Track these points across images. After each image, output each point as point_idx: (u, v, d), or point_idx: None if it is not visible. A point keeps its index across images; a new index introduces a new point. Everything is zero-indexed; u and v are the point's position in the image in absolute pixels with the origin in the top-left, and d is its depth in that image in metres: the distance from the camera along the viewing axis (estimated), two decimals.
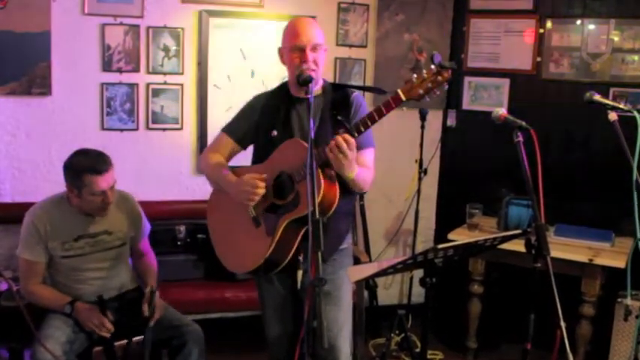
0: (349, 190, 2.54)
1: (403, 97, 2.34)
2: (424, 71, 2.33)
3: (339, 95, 2.69)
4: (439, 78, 2.31)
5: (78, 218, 3.05)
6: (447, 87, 2.36)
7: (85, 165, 2.94)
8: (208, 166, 2.79)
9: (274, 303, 2.82)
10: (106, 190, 2.97)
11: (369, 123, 2.38)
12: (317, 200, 2.23)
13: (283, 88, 2.76)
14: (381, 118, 2.37)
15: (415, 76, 2.34)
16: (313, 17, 4.17)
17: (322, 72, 2.65)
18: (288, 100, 2.69)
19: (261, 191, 2.54)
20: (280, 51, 2.68)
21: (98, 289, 3.05)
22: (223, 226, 2.77)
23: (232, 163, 2.81)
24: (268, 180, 2.56)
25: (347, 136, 2.35)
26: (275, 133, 2.64)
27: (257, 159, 2.74)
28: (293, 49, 2.57)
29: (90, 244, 3.08)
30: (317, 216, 2.09)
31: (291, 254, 2.54)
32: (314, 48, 2.56)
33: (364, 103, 2.72)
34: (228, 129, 2.80)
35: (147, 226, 3.37)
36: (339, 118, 2.55)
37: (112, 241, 3.14)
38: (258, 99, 2.79)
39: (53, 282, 3.10)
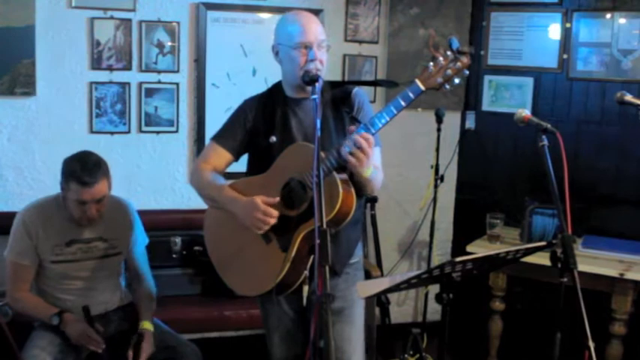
0: (359, 194, 2.52)
1: (422, 87, 2.37)
2: (441, 58, 2.36)
3: (338, 93, 2.67)
4: (458, 64, 2.34)
5: (72, 221, 3.07)
6: (467, 73, 2.39)
7: (73, 171, 2.94)
8: (202, 182, 2.71)
9: (281, 326, 2.80)
10: (89, 203, 2.96)
11: (387, 118, 2.38)
12: (335, 208, 2.23)
13: (276, 89, 2.72)
14: (399, 111, 2.38)
15: (432, 64, 2.36)
16: (320, 10, 4.23)
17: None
18: (284, 102, 2.66)
19: (273, 220, 2.48)
20: (276, 48, 2.63)
21: (84, 301, 3.04)
22: (226, 245, 2.72)
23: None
24: (276, 191, 2.53)
25: (366, 134, 2.35)
26: (274, 138, 2.62)
27: (254, 168, 2.70)
28: (298, 47, 2.53)
29: (83, 250, 3.10)
30: (324, 226, 2.06)
31: (305, 273, 2.52)
32: (319, 45, 2.54)
33: (367, 98, 2.72)
34: (220, 138, 2.73)
35: (143, 239, 3.36)
36: (353, 115, 2.56)
37: (105, 249, 3.16)
38: (249, 103, 2.74)
39: (38, 291, 3.12)
